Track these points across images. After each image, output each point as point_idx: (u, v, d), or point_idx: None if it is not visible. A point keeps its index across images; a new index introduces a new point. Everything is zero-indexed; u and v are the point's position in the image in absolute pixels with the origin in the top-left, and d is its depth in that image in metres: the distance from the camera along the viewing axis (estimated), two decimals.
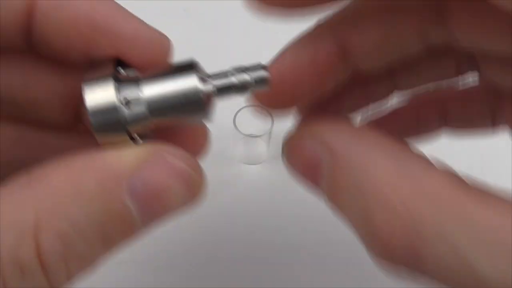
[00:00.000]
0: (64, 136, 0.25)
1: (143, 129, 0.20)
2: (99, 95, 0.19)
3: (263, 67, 0.20)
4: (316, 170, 0.19)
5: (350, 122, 0.20)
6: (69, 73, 0.23)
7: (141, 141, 0.20)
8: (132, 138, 0.20)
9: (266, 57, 0.22)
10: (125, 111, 0.19)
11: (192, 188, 0.19)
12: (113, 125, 0.19)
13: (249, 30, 0.47)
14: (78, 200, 0.17)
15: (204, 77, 0.20)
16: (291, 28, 0.22)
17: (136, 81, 0.20)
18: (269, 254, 0.38)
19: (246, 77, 0.20)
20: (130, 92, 0.19)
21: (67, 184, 0.17)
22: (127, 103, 0.19)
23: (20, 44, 0.21)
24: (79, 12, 0.20)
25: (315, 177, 0.19)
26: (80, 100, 0.20)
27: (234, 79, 0.20)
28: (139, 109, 0.19)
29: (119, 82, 0.20)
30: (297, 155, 0.20)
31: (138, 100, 0.19)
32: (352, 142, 0.18)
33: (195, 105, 0.19)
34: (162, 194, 0.18)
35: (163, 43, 0.21)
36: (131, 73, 0.21)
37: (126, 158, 0.18)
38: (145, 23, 0.21)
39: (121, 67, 0.21)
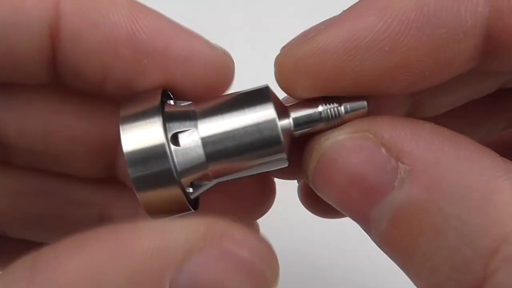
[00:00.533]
0: (93, 188, 0.21)
1: (198, 181, 0.16)
2: (141, 136, 0.15)
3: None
4: (382, 189, 0.15)
5: (418, 120, 0.16)
6: (100, 112, 0.19)
7: (193, 195, 0.16)
8: (185, 193, 0.15)
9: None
10: (176, 156, 0.15)
11: (261, 283, 0.14)
12: (160, 177, 0.15)
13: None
14: None
15: (279, 108, 0.16)
16: None
17: (189, 116, 0.16)
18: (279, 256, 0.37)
19: (340, 109, 0.17)
20: (182, 131, 0.15)
21: (83, 280, 0.13)
22: (178, 144, 0.15)
23: (43, 77, 0.18)
24: (118, 30, 0.17)
25: (376, 198, 0.15)
26: (114, 145, 0.17)
27: (322, 110, 0.17)
28: (194, 152, 0.15)
29: (168, 118, 0.15)
30: (347, 169, 0.16)
31: (193, 141, 0.15)
32: (442, 148, 0.15)
33: (272, 145, 0.16)
34: None
35: (225, 65, 0.18)
36: (183, 105, 0.17)
37: (170, 242, 0.14)
38: (202, 38, 0.18)
39: (171, 98, 0.17)
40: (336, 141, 0.16)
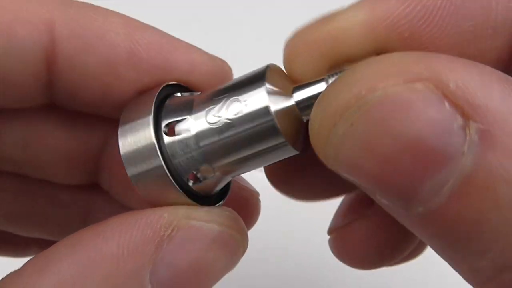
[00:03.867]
0: (76, 192, 0.21)
1: (202, 174, 0.16)
2: (133, 137, 0.15)
3: None
4: (445, 152, 0.12)
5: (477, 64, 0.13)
6: (81, 122, 0.19)
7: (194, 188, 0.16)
8: (185, 191, 0.15)
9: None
10: (169, 148, 0.15)
11: (235, 248, 0.15)
12: (154, 173, 0.15)
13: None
14: None
15: (279, 90, 0.15)
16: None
17: (188, 105, 0.16)
18: (274, 262, 0.37)
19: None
20: (177, 120, 0.15)
21: None
22: (173, 134, 0.15)
23: (38, 101, 0.18)
24: (116, 51, 0.16)
25: (436, 167, 0.12)
26: (95, 155, 0.17)
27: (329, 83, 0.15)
28: (188, 141, 0.15)
29: (167, 111, 0.16)
30: (399, 130, 0.12)
31: (186, 130, 0.15)
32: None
33: (270, 133, 0.15)
34: (198, 274, 0.14)
35: (225, 74, 0.18)
36: (187, 95, 0.17)
37: (137, 237, 0.14)
38: (200, 50, 0.17)
39: (188, 90, 0.17)
40: (386, 95, 0.12)
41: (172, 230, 0.14)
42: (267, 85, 0.15)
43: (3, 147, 0.19)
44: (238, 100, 0.15)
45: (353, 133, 0.12)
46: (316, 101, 0.14)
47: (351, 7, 0.15)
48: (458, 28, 0.14)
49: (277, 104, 0.15)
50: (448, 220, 0.12)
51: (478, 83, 0.12)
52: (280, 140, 0.15)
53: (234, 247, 0.15)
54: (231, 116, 0.15)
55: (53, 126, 0.19)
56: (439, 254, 0.14)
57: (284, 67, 0.16)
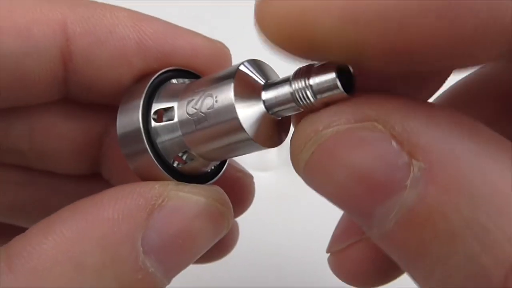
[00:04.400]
0: (79, 181, 0.22)
1: (186, 156, 0.17)
2: (126, 120, 0.17)
3: (339, 68, 0.14)
4: (392, 185, 0.13)
5: (422, 102, 0.14)
6: (84, 112, 0.20)
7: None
8: (171, 170, 0.17)
9: None
10: (157, 132, 0.17)
11: (220, 220, 0.16)
12: (140, 153, 0.17)
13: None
14: (79, 279, 0.14)
15: (248, 89, 0.16)
16: None
17: (177, 93, 0.17)
18: (276, 264, 0.37)
19: (313, 82, 0.14)
20: (166, 108, 0.17)
21: (60, 258, 0.14)
22: (160, 120, 0.17)
23: (54, 96, 0.19)
24: (127, 42, 0.18)
25: (384, 196, 0.13)
26: (98, 144, 0.18)
27: (292, 89, 0.15)
28: (172, 128, 0.17)
29: (160, 97, 0.17)
30: (350, 164, 0.14)
31: (172, 117, 0.17)
32: (462, 142, 0.13)
33: (236, 130, 0.16)
34: (186, 241, 0.16)
35: (224, 55, 0.19)
36: (181, 82, 0.18)
37: (131, 205, 0.15)
38: (200, 34, 0.19)
39: (192, 75, 0.19)
40: (337, 131, 0.14)
41: (163, 200, 0.16)
42: (235, 84, 0.15)
43: (9, 140, 0.20)
44: (211, 96, 0.16)
45: (314, 161, 0.14)
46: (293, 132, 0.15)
47: None
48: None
49: (244, 102, 0.16)
50: (396, 244, 0.14)
51: (424, 125, 0.13)
52: (246, 136, 0.16)
53: (219, 218, 0.16)
54: (204, 110, 0.16)
55: (58, 117, 0.20)
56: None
57: (256, 27, 0.14)
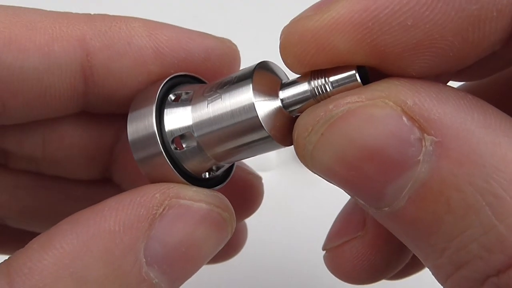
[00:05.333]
0: (89, 186, 0.22)
1: (200, 163, 0.17)
2: (138, 125, 0.17)
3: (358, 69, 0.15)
4: (404, 159, 0.13)
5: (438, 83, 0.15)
6: (96, 120, 0.21)
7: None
8: (184, 174, 0.17)
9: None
10: (170, 138, 0.17)
11: (223, 227, 0.16)
12: (155, 158, 0.17)
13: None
14: None
15: (266, 88, 0.16)
16: None
17: (188, 98, 0.17)
18: (277, 264, 0.37)
19: (333, 79, 0.15)
20: (180, 118, 0.17)
21: (62, 273, 0.14)
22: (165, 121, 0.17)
23: (74, 109, 0.19)
24: (145, 52, 0.18)
25: (396, 174, 0.14)
26: (109, 151, 0.18)
27: (311, 87, 0.16)
28: (183, 126, 0.17)
29: (170, 103, 0.17)
30: (361, 142, 0.14)
31: (184, 129, 0.17)
32: (472, 115, 0.13)
33: (255, 128, 0.16)
34: (189, 250, 0.15)
35: (234, 53, 0.19)
36: (189, 86, 0.18)
37: (132, 215, 0.15)
38: (210, 35, 0.19)
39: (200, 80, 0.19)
40: (349, 109, 0.14)
41: (164, 209, 0.15)
42: (254, 84, 0.16)
43: (23, 148, 0.20)
44: (228, 96, 0.16)
45: (323, 142, 0.14)
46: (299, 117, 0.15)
47: None
48: (462, 12, 0.14)
49: (263, 101, 0.16)
50: (409, 220, 0.14)
51: (434, 100, 0.13)
52: (264, 134, 0.16)
53: (222, 224, 0.16)
54: (221, 111, 0.16)
55: (72, 127, 0.20)
56: (411, 251, 0.15)
57: (281, 56, 0.16)
